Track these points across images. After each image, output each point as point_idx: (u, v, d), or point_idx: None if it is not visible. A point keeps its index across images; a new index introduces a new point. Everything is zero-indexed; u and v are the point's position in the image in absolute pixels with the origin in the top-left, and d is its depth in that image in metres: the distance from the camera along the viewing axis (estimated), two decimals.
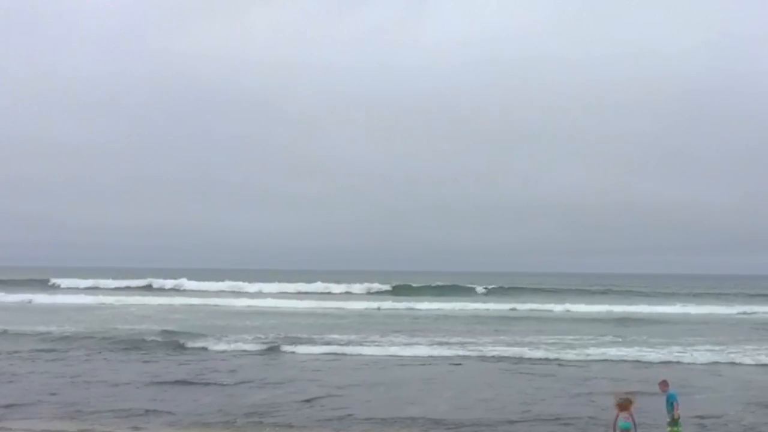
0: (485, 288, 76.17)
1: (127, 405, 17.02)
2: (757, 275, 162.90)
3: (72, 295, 60.76)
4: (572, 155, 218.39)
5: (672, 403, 13.14)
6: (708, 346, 29.02)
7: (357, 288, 74.77)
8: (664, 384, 13.58)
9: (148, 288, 75.33)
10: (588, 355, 26.20)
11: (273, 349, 27.50)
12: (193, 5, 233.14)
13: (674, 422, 13.09)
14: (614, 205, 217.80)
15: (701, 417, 16.33)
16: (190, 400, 17.78)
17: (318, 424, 15.50)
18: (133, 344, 28.44)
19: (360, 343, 28.98)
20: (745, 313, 48.87)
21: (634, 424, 13.33)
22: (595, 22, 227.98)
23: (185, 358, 25.11)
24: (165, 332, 31.80)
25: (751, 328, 38.95)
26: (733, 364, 24.55)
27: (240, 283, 74.80)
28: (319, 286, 75.39)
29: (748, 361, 25.25)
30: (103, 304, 53.82)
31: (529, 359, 24.99)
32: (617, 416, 13.36)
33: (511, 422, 15.98)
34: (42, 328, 33.17)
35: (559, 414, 16.65)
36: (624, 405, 13.29)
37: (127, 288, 73.96)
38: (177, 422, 15.47)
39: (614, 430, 13.37)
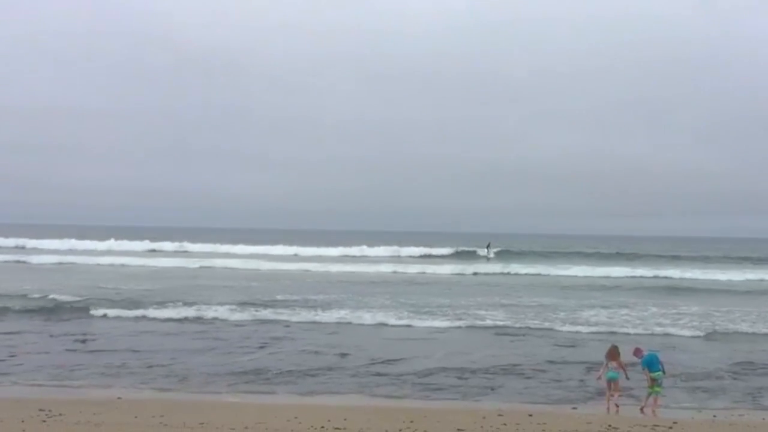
0: (486, 250, 75.71)
1: None
2: (754, 238, 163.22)
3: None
4: (560, 119, 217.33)
5: (652, 364, 13.53)
6: (696, 308, 29.67)
7: (354, 251, 73.55)
8: (637, 351, 13.95)
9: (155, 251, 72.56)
10: (583, 319, 26.65)
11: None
12: None
13: (653, 383, 13.49)
14: (600, 169, 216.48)
15: (688, 377, 16.83)
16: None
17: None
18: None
19: (339, 307, 28.30)
20: (748, 279, 48.15)
21: (625, 374, 13.77)
22: None
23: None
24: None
25: (745, 292, 39.31)
26: (724, 331, 24.55)
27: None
28: (316, 251, 74.30)
29: (735, 326, 25.42)
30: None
31: (527, 326, 25.08)
32: (606, 365, 13.80)
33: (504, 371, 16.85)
34: None
35: (551, 375, 17.16)
36: (612, 354, 13.72)
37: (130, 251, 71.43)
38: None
39: (603, 378, 13.82)
